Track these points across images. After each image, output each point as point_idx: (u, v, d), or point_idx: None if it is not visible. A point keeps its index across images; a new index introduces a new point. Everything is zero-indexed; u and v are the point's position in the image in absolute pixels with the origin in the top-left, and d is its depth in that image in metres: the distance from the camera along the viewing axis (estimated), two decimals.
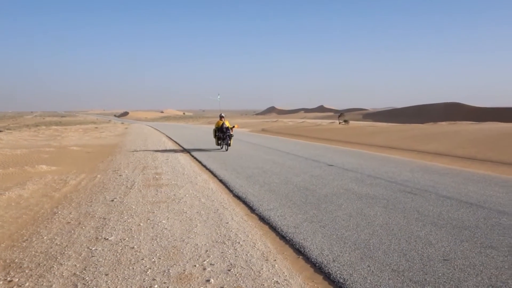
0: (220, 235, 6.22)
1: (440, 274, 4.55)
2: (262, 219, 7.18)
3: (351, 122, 55.13)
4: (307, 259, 5.27)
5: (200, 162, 15.17)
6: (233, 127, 19.75)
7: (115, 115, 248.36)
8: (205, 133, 36.44)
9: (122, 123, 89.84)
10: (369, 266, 4.84)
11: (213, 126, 28.27)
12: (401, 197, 8.43)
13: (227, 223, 6.89)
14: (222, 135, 19.52)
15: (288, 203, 8.14)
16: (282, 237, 6.17)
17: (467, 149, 17.18)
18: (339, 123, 49.81)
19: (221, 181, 11.01)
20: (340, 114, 62.92)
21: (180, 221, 7.01)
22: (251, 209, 7.90)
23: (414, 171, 11.86)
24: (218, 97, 23.04)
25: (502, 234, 5.86)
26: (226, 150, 19.03)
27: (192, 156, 17.32)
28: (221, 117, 19.89)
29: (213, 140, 22.88)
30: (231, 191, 9.65)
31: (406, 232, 6.08)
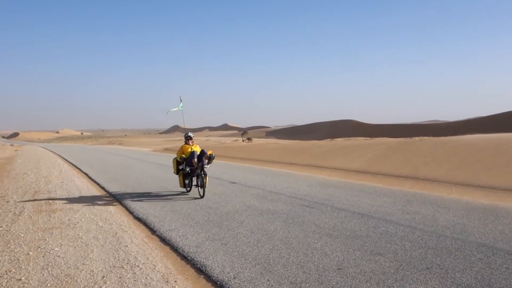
0: (119, 260, 5.97)
1: (334, 283, 4.78)
2: (164, 240, 7.02)
3: (254, 139, 56.32)
4: (209, 277, 5.24)
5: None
6: (210, 156, 11.32)
7: (3, 137, 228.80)
8: (110, 154, 34.84)
9: (12, 144, 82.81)
10: (268, 281, 4.94)
11: (117, 147, 24.07)
12: (300, 211, 8.76)
13: (126, 246, 6.63)
14: (192, 171, 11.28)
15: (190, 222, 8.06)
16: (184, 257, 6.08)
17: (359, 163, 18.39)
18: (243, 140, 50.63)
19: (121, 203, 10.59)
20: (244, 132, 64.03)
21: (75, 247, 6.61)
22: (152, 230, 7.69)
23: (312, 186, 12.41)
24: (180, 105, 13.66)
25: (389, 242, 6.33)
26: (202, 196, 10.75)
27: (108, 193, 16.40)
28: (188, 138, 11.80)
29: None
30: (131, 212, 9.32)
31: (304, 245, 6.31)
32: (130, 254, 6.23)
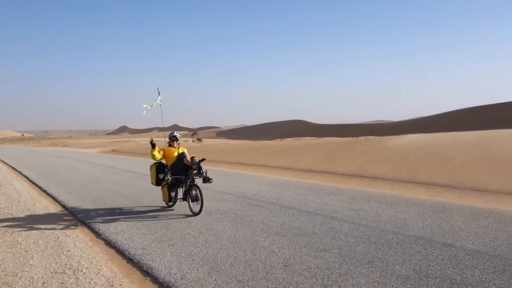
0: (61, 265, 5.77)
1: (280, 280, 4.86)
2: (109, 243, 6.85)
3: (204, 140, 56.07)
4: (155, 279, 5.17)
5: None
6: (202, 160, 8.79)
7: None
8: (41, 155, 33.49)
9: None
10: (216, 280, 4.95)
11: (61, 149, 21.72)
12: (249, 210, 8.82)
13: (69, 250, 6.42)
14: (179, 180, 8.98)
15: (137, 224, 7.92)
16: (130, 260, 5.97)
17: (307, 162, 18.74)
18: (193, 141, 50.29)
19: (64, 206, 10.23)
20: (194, 132, 63.63)
21: (13, 253, 6.32)
22: (97, 233, 7.49)
23: (261, 185, 12.52)
24: (159, 98, 10.80)
25: (334, 238, 6.50)
26: (198, 212, 8.49)
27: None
28: (173, 139, 9.30)
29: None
30: (75, 216, 9.03)
31: (252, 243, 6.37)
32: (73, 258, 6.04)
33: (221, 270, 5.28)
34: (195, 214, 8.47)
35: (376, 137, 33.93)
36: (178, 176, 8.86)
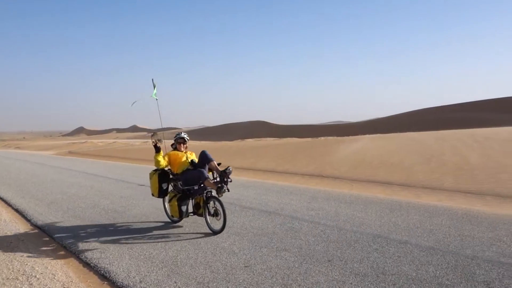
0: (13, 271, 5.54)
1: (241, 281, 4.85)
2: (64, 247, 6.64)
3: (165, 141, 55.28)
4: (113, 283, 5.05)
5: None
6: (219, 164, 7.53)
7: None
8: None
9: None
10: (175, 282, 4.88)
11: (15, 151, 21.04)
12: None
13: (22, 256, 6.18)
14: (191, 191, 7.28)
15: (95, 227, 7.71)
16: (87, 264, 5.80)
17: (268, 163, 18.84)
18: (152, 142, 49.51)
19: (17, 210, 9.84)
20: (153, 133, 62.65)
21: None
22: (52, 238, 7.24)
23: None
24: (154, 91, 8.73)
25: (294, 237, 6.56)
26: (221, 229, 6.86)
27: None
28: (181, 142, 7.82)
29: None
30: (29, 220, 8.69)
31: (212, 245, 6.33)
32: (27, 264, 5.81)
33: (181, 272, 5.22)
34: (215, 232, 6.85)
35: (335, 137, 34.57)
36: (191, 187, 7.15)
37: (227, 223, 6.83)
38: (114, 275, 5.24)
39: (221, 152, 24.95)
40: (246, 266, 5.32)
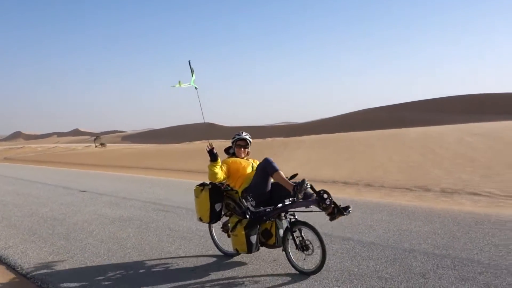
0: None
1: (187, 285, 4.80)
2: None
3: (109, 145, 53.91)
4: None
5: None
6: (294, 175, 5.38)
7: None
8: None
9: None
10: None
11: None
12: (155, 216, 8.62)
13: None
14: (266, 213, 5.09)
15: (31, 237, 7.35)
16: (23, 275, 5.53)
17: None
18: (96, 146, 48.15)
19: None
20: (96, 137, 60.88)
21: None
22: None
23: (168, 189, 12.31)
24: (192, 79, 5.94)
25: None
26: (313, 270, 4.75)
27: None
28: (240, 145, 5.76)
29: None
30: None
31: (158, 250, 6.22)
32: None
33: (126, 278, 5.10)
34: (305, 272, 4.83)
35: (283, 138, 35.00)
36: (264, 208, 5.11)
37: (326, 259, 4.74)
38: (53, 286, 5.02)
39: (168, 156, 24.61)
40: (192, 270, 5.27)
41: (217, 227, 6.08)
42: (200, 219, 5.66)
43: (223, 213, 5.65)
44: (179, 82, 5.87)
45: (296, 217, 5.02)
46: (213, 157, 5.33)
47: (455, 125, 41.93)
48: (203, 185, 5.64)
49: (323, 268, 4.76)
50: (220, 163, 5.39)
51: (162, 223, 7.90)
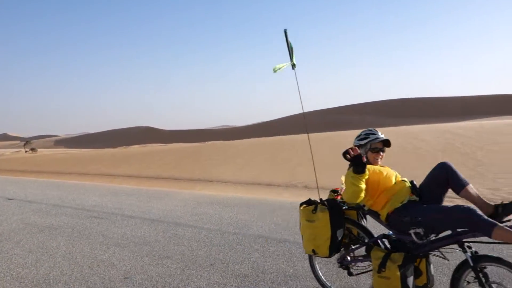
0: None
1: None
2: None
3: (40, 150, 51.32)
4: None
5: None
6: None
7: None
8: None
9: None
10: None
11: None
12: (87, 223, 8.29)
13: None
14: (421, 245, 3.46)
15: None
16: None
17: (153, 169, 18.42)
18: (26, 151, 45.72)
19: None
20: (26, 142, 57.82)
21: None
22: None
23: (102, 195, 11.89)
24: (293, 59, 4.66)
25: (177, 244, 6.48)
26: None
27: None
28: (376, 148, 3.86)
29: None
30: None
31: (90, 258, 5.99)
32: None
33: None
34: None
35: (222, 141, 34.98)
36: (431, 237, 3.55)
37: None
38: None
39: (104, 160, 23.81)
40: (125, 278, 5.12)
41: (320, 259, 4.71)
42: (314, 252, 3.93)
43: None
44: (276, 66, 4.64)
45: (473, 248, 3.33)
46: (362, 167, 3.57)
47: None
48: (313, 203, 4.02)
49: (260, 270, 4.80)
50: (367, 175, 3.64)
51: (95, 230, 7.62)
